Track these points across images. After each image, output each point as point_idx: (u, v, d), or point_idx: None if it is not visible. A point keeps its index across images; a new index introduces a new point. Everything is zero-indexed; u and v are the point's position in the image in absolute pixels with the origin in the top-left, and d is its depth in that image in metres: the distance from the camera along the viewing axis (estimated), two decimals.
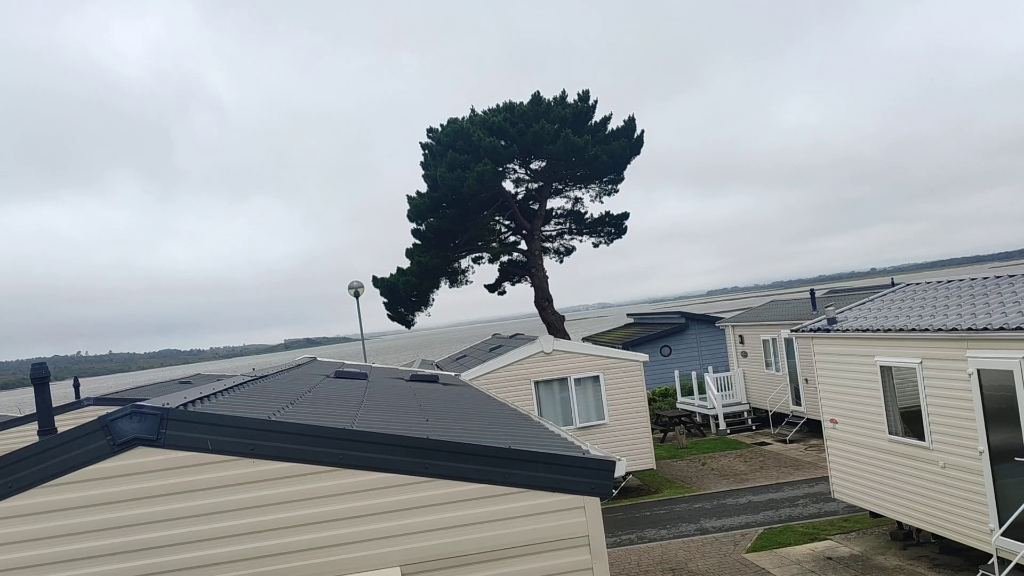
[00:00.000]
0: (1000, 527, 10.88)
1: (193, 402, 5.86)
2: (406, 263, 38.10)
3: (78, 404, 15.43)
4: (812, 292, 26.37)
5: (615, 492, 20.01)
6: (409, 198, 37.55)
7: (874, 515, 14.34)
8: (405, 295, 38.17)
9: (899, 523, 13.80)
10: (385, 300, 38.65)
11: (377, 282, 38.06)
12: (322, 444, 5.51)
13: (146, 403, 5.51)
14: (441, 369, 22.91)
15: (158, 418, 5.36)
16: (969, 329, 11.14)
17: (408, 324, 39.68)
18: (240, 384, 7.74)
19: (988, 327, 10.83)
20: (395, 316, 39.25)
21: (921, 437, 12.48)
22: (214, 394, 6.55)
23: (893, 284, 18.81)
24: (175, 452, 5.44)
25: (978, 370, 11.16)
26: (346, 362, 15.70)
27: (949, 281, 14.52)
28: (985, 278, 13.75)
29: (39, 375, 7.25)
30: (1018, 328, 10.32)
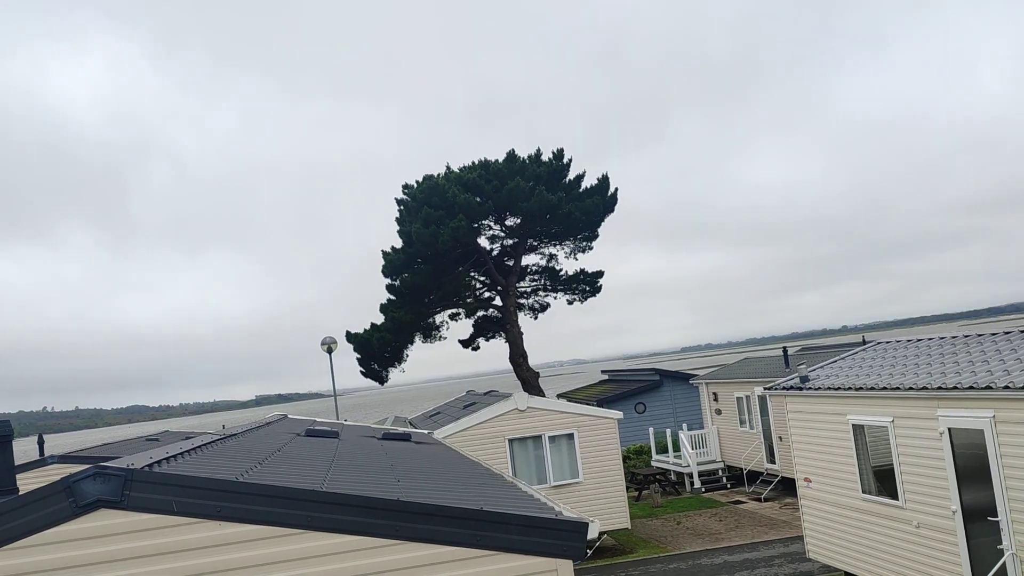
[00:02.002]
0: None
1: (159, 462, 5.75)
2: (379, 318, 37.95)
3: (42, 462, 15.10)
4: (785, 350, 26.53)
5: (589, 552, 19.75)
6: (384, 253, 37.57)
7: (849, 575, 14.25)
8: (379, 351, 37.93)
9: None
10: (358, 356, 38.38)
11: (350, 337, 37.83)
12: (290, 506, 5.41)
13: (110, 464, 5.40)
14: (414, 426, 22.71)
15: (122, 479, 5.24)
16: (939, 388, 11.23)
17: (382, 380, 39.35)
18: (208, 443, 7.62)
19: (958, 386, 10.91)
20: (368, 372, 38.95)
21: (894, 496, 12.48)
22: (180, 454, 6.43)
23: (864, 342, 18.97)
24: (139, 514, 5.31)
25: (949, 429, 11.22)
26: (317, 420, 15.51)
27: (919, 340, 14.67)
28: (954, 337, 13.90)
29: (1, 433, 7.10)
30: (988, 387, 10.41)
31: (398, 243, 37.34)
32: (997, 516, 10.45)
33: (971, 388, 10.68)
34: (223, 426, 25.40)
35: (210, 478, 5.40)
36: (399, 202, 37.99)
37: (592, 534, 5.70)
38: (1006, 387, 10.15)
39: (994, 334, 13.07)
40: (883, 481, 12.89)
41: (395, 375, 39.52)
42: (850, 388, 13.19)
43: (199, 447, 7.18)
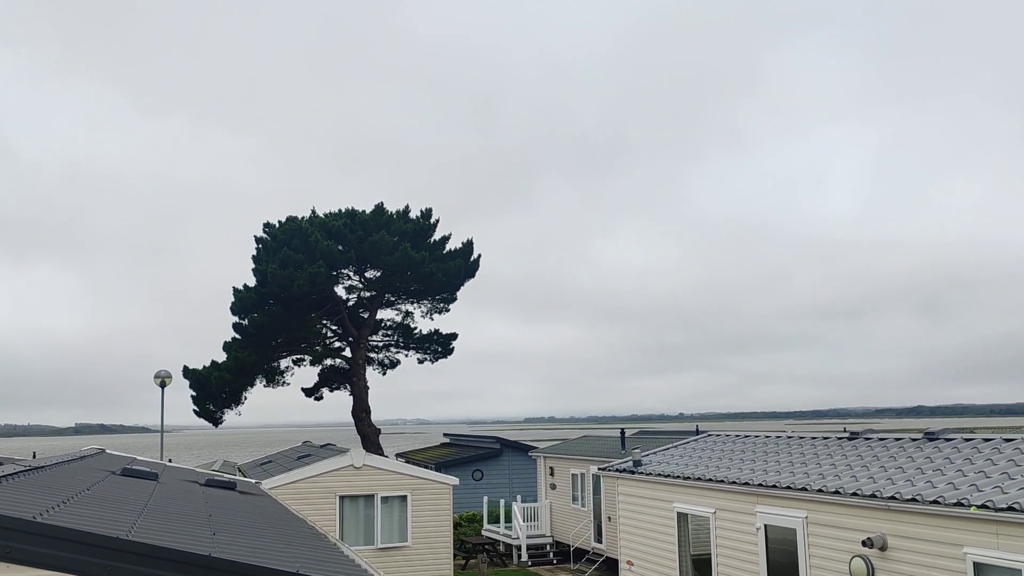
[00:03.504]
0: None
1: None
2: (220, 356, 36.55)
3: None
4: (623, 432, 27.15)
5: None
6: (235, 290, 36.43)
7: None
8: (216, 391, 36.43)
9: None
10: (194, 394, 36.70)
11: (188, 373, 36.20)
12: (90, 553, 5.03)
13: None
14: (244, 473, 21.82)
15: None
16: (760, 485, 11.75)
17: (216, 422, 37.73)
18: (8, 475, 7.06)
19: (777, 485, 11.46)
20: (202, 412, 37.26)
21: None
22: None
23: (698, 431, 19.67)
24: None
25: (765, 525, 11.72)
26: (137, 458, 14.68)
27: (746, 435, 15.35)
28: (778, 436, 14.63)
29: None
30: (803, 489, 10.97)
31: (251, 281, 36.36)
32: None
33: (788, 488, 11.23)
34: (34, 454, 23.65)
35: (1, 515, 4.98)
36: (258, 240, 37.08)
37: None
38: (819, 490, 10.73)
39: (814, 437, 13.84)
40: (700, 569, 13.28)
41: (231, 417, 38.03)
42: (678, 476, 13.62)
43: None
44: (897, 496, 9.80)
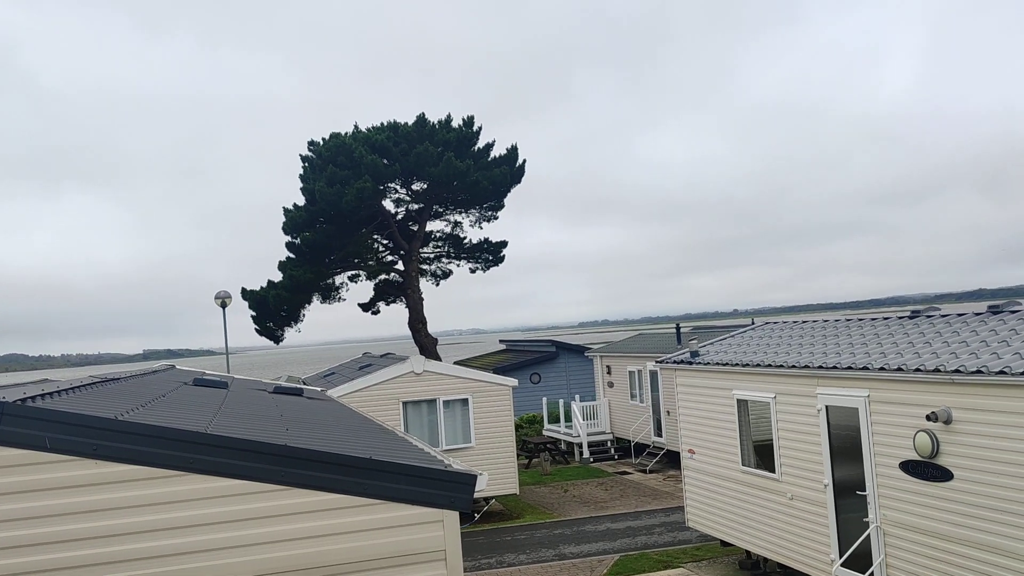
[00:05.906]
0: (840, 558, 11.42)
1: (32, 398, 5.50)
2: (276, 275, 37.23)
3: None
4: (678, 326, 27.20)
5: (477, 517, 19.95)
6: (285, 210, 36.81)
7: (725, 544, 14.80)
8: (275, 309, 37.23)
9: (748, 552, 14.30)
10: (253, 313, 37.58)
11: (246, 294, 36.99)
12: (172, 447, 5.26)
13: None
14: (308, 385, 22.39)
15: None
16: (820, 367, 11.71)
17: (277, 339, 38.68)
18: (88, 384, 7.34)
19: (837, 365, 11.41)
20: (263, 331, 38.20)
21: (772, 469, 13.00)
22: (57, 392, 6.17)
23: (753, 323, 19.60)
24: (9, 449, 5.09)
25: (827, 406, 11.73)
26: (207, 371, 15.14)
27: (804, 322, 15.25)
28: (836, 320, 14.51)
29: None
30: (864, 368, 10.91)
31: (299, 199, 36.67)
32: (865, 491, 11.00)
33: (849, 368, 11.17)
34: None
35: (87, 415, 5.20)
36: (303, 158, 37.22)
37: (480, 486, 5.75)
38: (881, 368, 10.66)
39: (873, 319, 13.69)
40: (762, 455, 13.40)
41: (291, 335, 38.93)
42: (737, 364, 13.63)
43: (78, 387, 6.91)
44: (962, 369, 9.69)
